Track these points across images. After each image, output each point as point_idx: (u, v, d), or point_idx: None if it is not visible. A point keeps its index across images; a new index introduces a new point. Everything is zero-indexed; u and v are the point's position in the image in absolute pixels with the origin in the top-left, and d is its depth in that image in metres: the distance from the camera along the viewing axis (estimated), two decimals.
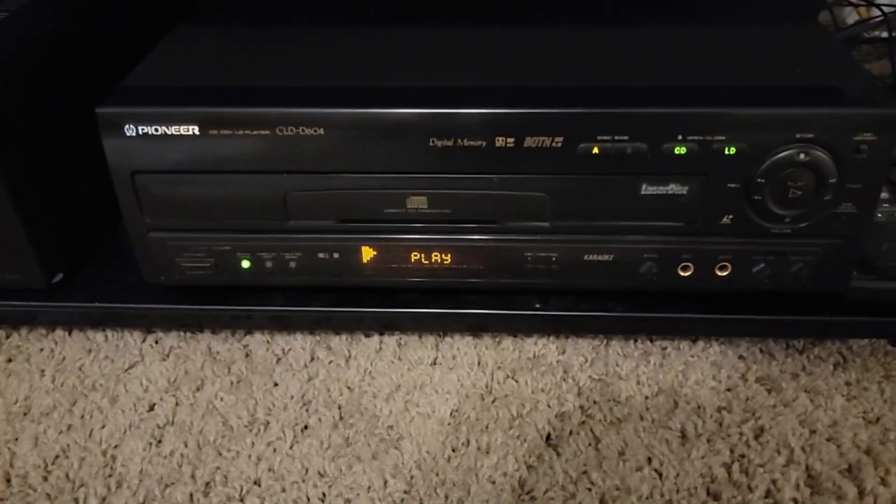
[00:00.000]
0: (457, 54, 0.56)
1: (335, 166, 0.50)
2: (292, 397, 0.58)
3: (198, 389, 0.59)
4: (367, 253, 0.55)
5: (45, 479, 0.53)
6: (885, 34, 0.87)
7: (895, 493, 0.50)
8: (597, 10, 0.63)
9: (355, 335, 0.63)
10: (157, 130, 0.49)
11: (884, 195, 0.58)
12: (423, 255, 0.55)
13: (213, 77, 0.53)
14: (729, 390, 0.58)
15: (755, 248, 0.52)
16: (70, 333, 0.64)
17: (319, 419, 0.56)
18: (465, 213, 0.53)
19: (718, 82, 0.50)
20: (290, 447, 0.54)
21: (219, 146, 0.49)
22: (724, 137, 0.48)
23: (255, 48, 0.58)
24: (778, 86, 0.49)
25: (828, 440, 0.54)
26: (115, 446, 0.55)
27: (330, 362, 0.61)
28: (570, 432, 0.55)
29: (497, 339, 0.62)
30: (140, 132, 0.49)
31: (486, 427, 0.55)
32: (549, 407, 0.57)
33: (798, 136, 0.47)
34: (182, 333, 0.64)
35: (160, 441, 0.55)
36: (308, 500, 0.51)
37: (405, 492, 0.51)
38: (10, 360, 0.62)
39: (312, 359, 0.61)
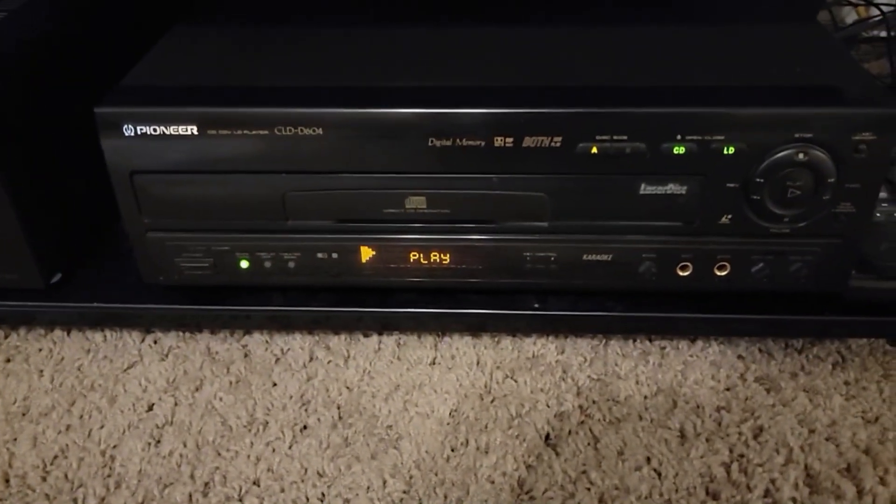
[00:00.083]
0: (456, 54, 0.56)
1: (334, 166, 0.50)
2: (291, 397, 0.58)
3: (197, 389, 0.59)
4: (366, 253, 0.55)
5: (44, 479, 0.53)
6: (883, 34, 0.87)
7: (894, 493, 0.50)
8: (596, 10, 0.63)
9: (354, 335, 0.63)
10: (155, 130, 0.49)
11: (882, 195, 0.58)
12: (421, 255, 0.55)
13: (211, 77, 0.53)
14: (728, 390, 0.58)
15: (754, 247, 0.52)
16: (69, 333, 0.64)
17: (318, 419, 0.56)
18: (464, 213, 0.53)
19: (717, 82, 0.50)
20: (289, 447, 0.54)
21: (217, 146, 0.49)
22: (722, 137, 0.48)
23: (253, 48, 0.58)
24: (777, 85, 0.49)
25: (827, 440, 0.54)
26: (114, 446, 0.55)
27: (329, 362, 0.61)
28: (570, 432, 0.55)
29: (496, 339, 0.62)
30: (138, 132, 0.49)
31: (485, 427, 0.55)
32: (548, 407, 0.57)
33: (797, 135, 0.47)
34: (181, 333, 0.64)
35: (159, 441, 0.55)
36: (307, 500, 0.51)
37: (404, 492, 0.51)
38: (8, 361, 0.62)
39: (311, 359, 0.61)
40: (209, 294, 0.59)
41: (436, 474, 0.52)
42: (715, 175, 0.49)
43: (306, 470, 0.53)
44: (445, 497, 0.51)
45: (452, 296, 0.59)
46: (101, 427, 0.56)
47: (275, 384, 0.59)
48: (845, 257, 0.53)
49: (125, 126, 0.49)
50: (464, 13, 0.64)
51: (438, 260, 0.55)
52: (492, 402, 0.57)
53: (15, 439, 0.55)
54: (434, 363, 0.61)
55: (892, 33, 0.83)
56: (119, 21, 0.68)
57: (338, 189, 0.52)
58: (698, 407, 0.57)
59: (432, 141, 0.49)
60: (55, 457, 0.54)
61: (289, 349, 0.62)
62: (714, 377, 0.59)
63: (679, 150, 0.48)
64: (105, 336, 0.64)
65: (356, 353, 0.61)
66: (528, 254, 0.54)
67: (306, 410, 0.57)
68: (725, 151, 0.48)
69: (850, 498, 0.50)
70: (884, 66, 0.88)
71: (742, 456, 0.53)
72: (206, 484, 0.52)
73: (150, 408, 0.58)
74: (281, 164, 0.50)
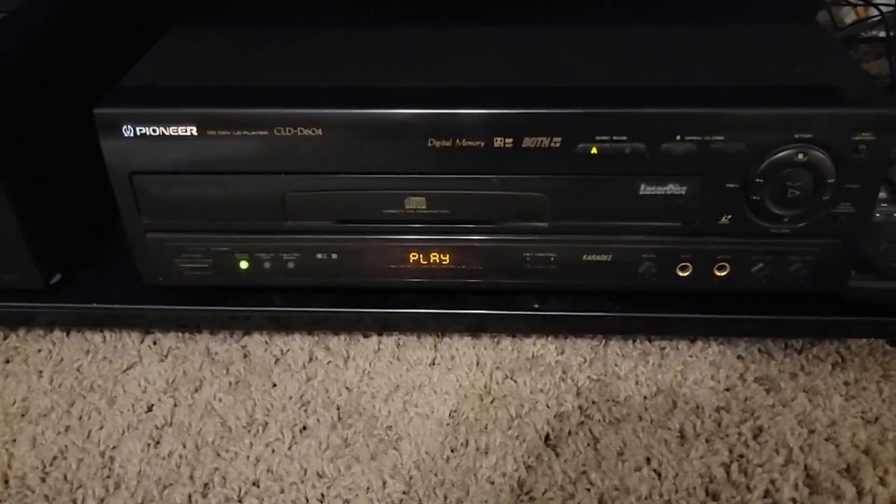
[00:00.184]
0: (455, 54, 0.56)
1: (333, 167, 0.50)
2: (291, 398, 0.58)
3: (196, 390, 0.59)
4: (366, 253, 0.55)
5: (44, 480, 0.53)
6: (882, 34, 0.87)
7: (894, 493, 0.50)
8: (596, 10, 0.63)
9: (354, 335, 0.63)
10: (154, 131, 0.49)
11: (882, 195, 0.58)
12: (421, 256, 0.55)
13: (210, 77, 0.53)
14: (727, 390, 0.58)
15: (754, 248, 0.52)
16: (68, 334, 0.64)
17: (318, 420, 0.56)
18: (464, 213, 0.53)
19: (717, 82, 0.50)
20: (289, 448, 0.54)
21: (217, 147, 0.49)
22: (722, 137, 0.48)
23: (253, 48, 0.58)
24: (776, 86, 0.49)
25: (826, 440, 0.54)
26: (114, 447, 0.55)
27: (328, 363, 0.61)
28: (569, 432, 0.55)
29: (496, 340, 0.62)
30: (138, 133, 0.49)
31: (485, 427, 0.55)
32: (548, 407, 0.57)
33: (796, 136, 0.47)
34: (180, 334, 0.64)
35: (158, 442, 0.55)
36: (307, 500, 0.51)
37: (404, 492, 0.51)
38: (7, 361, 0.62)
39: (311, 359, 0.61)
40: (209, 295, 0.59)
41: (435, 475, 0.52)
42: (714, 175, 0.49)
43: (306, 471, 0.53)
44: (445, 498, 0.51)
45: (452, 296, 0.59)
46: (101, 428, 0.56)
47: (274, 385, 0.59)
48: (845, 257, 0.53)
49: (124, 127, 0.49)
50: (464, 13, 0.64)
51: (438, 260, 0.55)
52: (491, 402, 0.57)
53: (14, 440, 0.55)
54: (434, 364, 0.61)
55: (891, 33, 0.83)
56: (119, 21, 0.68)
57: (337, 190, 0.52)
58: (698, 407, 0.57)
59: (432, 141, 0.49)
60: (54, 458, 0.54)
61: (288, 350, 0.62)
62: (714, 377, 0.59)
63: (679, 150, 0.48)
64: (104, 337, 0.64)
65: (356, 354, 0.61)
66: (527, 254, 0.54)
67: (306, 411, 0.57)
68: (725, 152, 0.48)
69: (849, 498, 0.50)
70: (883, 66, 0.88)
71: (742, 456, 0.53)
72: (206, 485, 0.52)
73: (150, 409, 0.58)
74: (280, 164, 0.50)
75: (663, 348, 0.61)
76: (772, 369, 0.59)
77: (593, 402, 0.57)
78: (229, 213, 0.53)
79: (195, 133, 0.49)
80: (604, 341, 0.62)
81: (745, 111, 0.47)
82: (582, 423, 0.56)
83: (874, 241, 0.56)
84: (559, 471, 0.52)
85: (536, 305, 0.58)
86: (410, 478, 0.52)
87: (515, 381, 0.59)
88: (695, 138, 0.48)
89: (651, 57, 0.55)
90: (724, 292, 0.55)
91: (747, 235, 0.52)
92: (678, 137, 0.48)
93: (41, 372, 0.61)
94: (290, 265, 0.55)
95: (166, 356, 0.62)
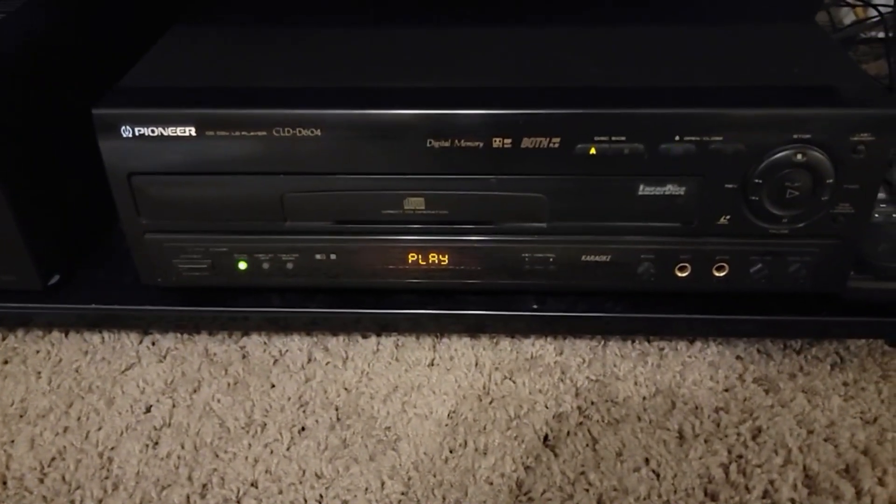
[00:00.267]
0: (454, 55, 0.56)
1: (332, 167, 0.50)
2: (289, 399, 0.58)
3: (195, 391, 0.59)
4: (365, 254, 0.55)
5: (42, 481, 0.53)
6: (881, 34, 0.87)
7: (893, 493, 0.50)
8: (595, 10, 0.63)
9: (352, 336, 0.63)
10: (153, 132, 0.49)
11: (881, 195, 0.58)
12: (420, 256, 0.55)
13: (209, 78, 0.53)
14: (726, 391, 0.58)
15: (752, 248, 0.52)
16: (66, 335, 0.64)
17: (317, 420, 0.56)
18: (463, 214, 0.53)
19: (715, 83, 0.50)
20: (288, 449, 0.54)
21: (215, 147, 0.49)
22: (721, 138, 0.48)
23: (252, 48, 0.58)
24: (775, 86, 0.49)
25: (825, 440, 0.54)
26: (112, 448, 0.55)
27: (327, 363, 0.61)
28: (568, 433, 0.55)
29: (494, 340, 0.62)
30: (136, 133, 0.49)
31: (484, 428, 0.55)
32: (547, 408, 0.57)
33: (795, 136, 0.47)
34: (179, 335, 0.64)
35: (157, 443, 0.55)
36: (305, 501, 0.51)
37: (402, 493, 0.51)
38: (6, 362, 0.62)
39: (309, 360, 0.61)
40: (207, 295, 0.59)
41: (434, 476, 0.52)
42: (713, 176, 0.49)
43: (304, 471, 0.53)
44: (444, 498, 0.51)
45: (451, 297, 0.59)
46: (99, 429, 0.56)
47: (273, 385, 0.59)
48: (844, 258, 0.53)
49: (123, 127, 0.49)
50: (463, 13, 0.64)
51: (437, 261, 0.55)
52: (490, 403, 0.57)
53: (12, 441, 0.55)
54: (432, 364, 0.61)
55: (890, 34, 0.83)
56: (119, 21, 0.68)
57: (336, 190, 0.52)
58: (697, 408, 0.56)
59: (431, 142, 0.49)
60: (53, 458, 0.54)
61: (287, 350, 0.62)
62: (713, 378, 0.59)
63: (677, 150, 0.48)
64: (103, 337, 0.64)
65: (354, 355, 0.61)
66: (526, 255, 0.54)
67: (304, 412, 0.57)
68: (724, 152, 0.48)
69: (848, 498, 0.50)
70: (882, 66, 0.88)
71: (741, 457, 0.53)
72: (204, 486, 0.52)
73: (148, 409, 0.58)
74: (279, 165, 0.50)
75: (662, 349, 0.61)
76: (771, 370, 0.59)
77: (592, 403, 0.57)
78: (228, 213, 0.53)
79: (194, 134, 0.49)
80: (603, 342, 0.62)
81: (744, 111, 0.47)
82: (581, 423, 0.56)
83: (873, 241, 0.56)
84: (558, 471, 0.52)
85: (535, 306, 0.58)
86: (409, 478, 0.52)
87: (514, 382, 0.59)
88: (693, 139, 0.48)
89: (650, 57, 0.55)
90: (722, 293, 0.55)
91: (746, 236, 0.52)
92: (677, 138, 0.48)
93: (39, 373, 0.61)
94: (289, 266, 0.55)
95: (165, 357, 0.62)
